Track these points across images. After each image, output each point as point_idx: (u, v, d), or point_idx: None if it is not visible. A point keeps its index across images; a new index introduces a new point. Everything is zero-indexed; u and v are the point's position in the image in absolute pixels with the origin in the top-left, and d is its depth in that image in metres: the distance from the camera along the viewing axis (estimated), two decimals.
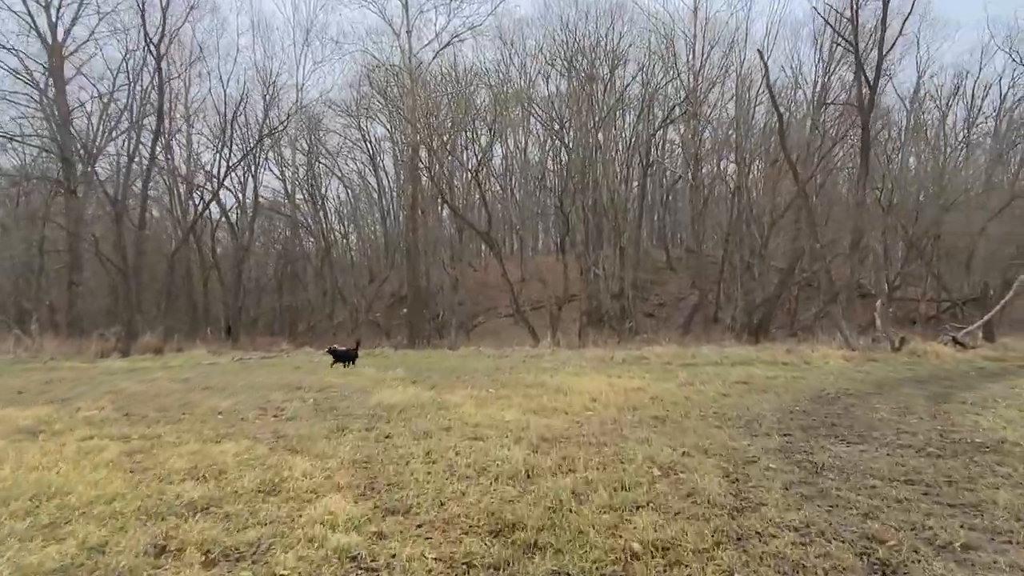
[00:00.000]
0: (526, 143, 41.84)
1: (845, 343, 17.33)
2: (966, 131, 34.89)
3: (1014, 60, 23.35)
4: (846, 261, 32.99)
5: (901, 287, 29.26)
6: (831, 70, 27.25)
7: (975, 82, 34.13)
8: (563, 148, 34.46)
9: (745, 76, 30.60)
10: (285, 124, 32.03)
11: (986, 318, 17.51)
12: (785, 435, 6.54)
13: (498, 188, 43.17)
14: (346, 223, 47.37)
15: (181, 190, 36.41)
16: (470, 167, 28.50)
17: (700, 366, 14.49)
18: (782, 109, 25.69)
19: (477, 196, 32.76)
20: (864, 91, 18.26)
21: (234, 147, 34.03)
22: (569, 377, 12.01)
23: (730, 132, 32.87)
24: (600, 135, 32.28)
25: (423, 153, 31.67)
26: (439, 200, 35.24)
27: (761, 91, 31.64)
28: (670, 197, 41.69)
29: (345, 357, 14.74)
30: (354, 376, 12.92)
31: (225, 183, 34.72)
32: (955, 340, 16.66)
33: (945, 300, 30.53)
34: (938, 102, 33.48)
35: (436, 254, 34.87)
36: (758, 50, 21.18)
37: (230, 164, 32.21)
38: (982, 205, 32.00)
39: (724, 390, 10.13)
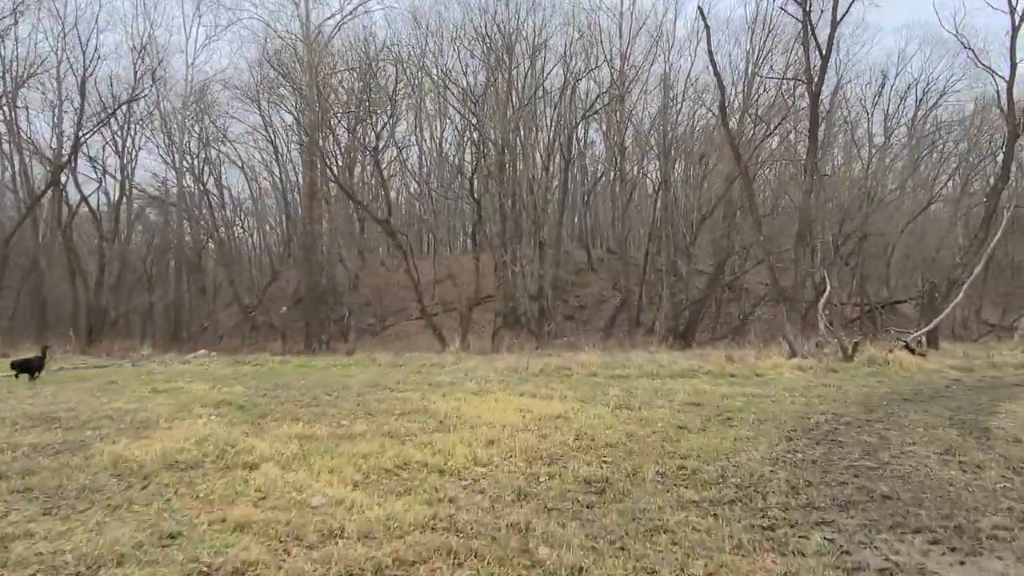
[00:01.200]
0: (442, 135, 38.54)
1: (790, 350, 15.09)
2: (883, 136, 34.56)
3: (961, 44, 22.40)
4: (779, 261, 31.89)
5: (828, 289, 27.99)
6: (766, 51, 25.40)
7: (891, 87, 33.88)
8: (480, 137, 31.15)
9: (673, 63, 28.60)
10: (147, 88, 27.06)
11: (935, 322, 15.86)
12: (822, 522, 3.59)
13: (415, 186, 39.64)
14: (248, 216, 42.33)
15: (32, 169, 30.55)
16: (373, 149, 24.67)
17: (633, 379, 11.67)
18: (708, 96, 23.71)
19: (378, 182, 28.72)
20: (814, 60, 16.18)
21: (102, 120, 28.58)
22: (467, 398, 8.84)
23: (652, 132, 30.91)
24: (520, 125, 29.44)
25: (323, 134, 27.66)
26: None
27: (687, 88, 29.85)
28: (590, 199, 39.58)
29: (26, 368, 11.22)
30: (164, 396, 9.15)
31: (80, 161, 29.26)
32: (907, 346, 14.78)
33: (867, 303, 29.72)
34: (863, 102, 32.86)
35: (340, 250, 30.79)
36: (699, 7, 18.56)
37: (80, 135, 26.83)
38: (899, 209, 31.69)
39: (675, 418, 7.23)
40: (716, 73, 15.81)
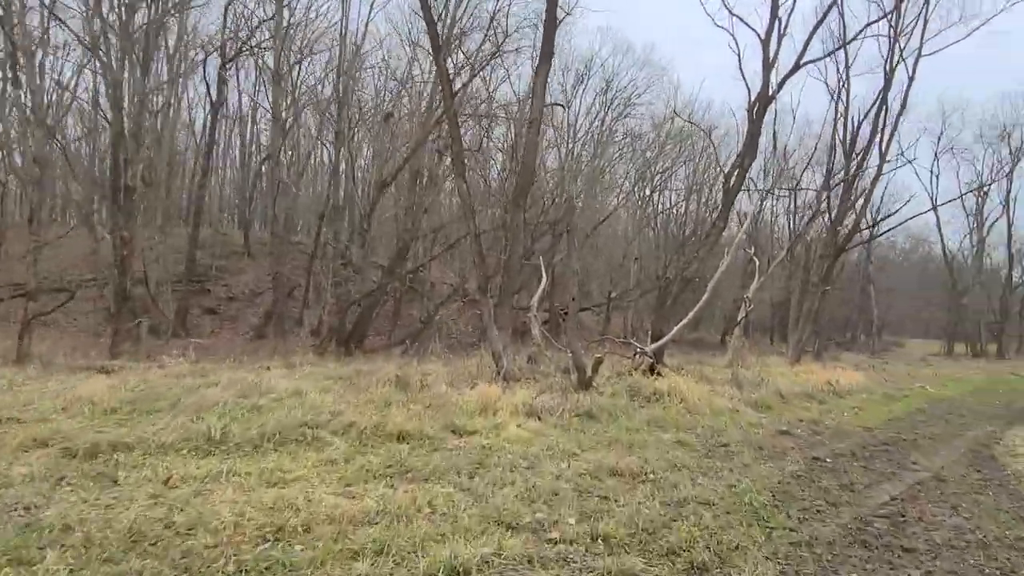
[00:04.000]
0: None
1: (496, 369, 9.51)
2: (573, 136, 33.15)
3: None
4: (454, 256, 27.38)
5: (519, 292, 24.44)
6: None
7: (584, 88, 32.60)
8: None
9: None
10: None
11: (676, 329, 12.05)
12: None
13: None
14: None
15: None
16: None
17: (153, 458, 4.41)
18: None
19: None
20: None
21: None
22: None
23: (332, 97, 23.99)
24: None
25: None
26: None
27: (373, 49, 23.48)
28: (259, 171, 30.79)
29: None
30: None
31: None
32: (652, 365, 10.48)
33: (558, 308, 27.22)
34: (564, 89, 30.48)
35: None
36: None
37: None
38: (583, 215, 30.48)
39: None
40: None
